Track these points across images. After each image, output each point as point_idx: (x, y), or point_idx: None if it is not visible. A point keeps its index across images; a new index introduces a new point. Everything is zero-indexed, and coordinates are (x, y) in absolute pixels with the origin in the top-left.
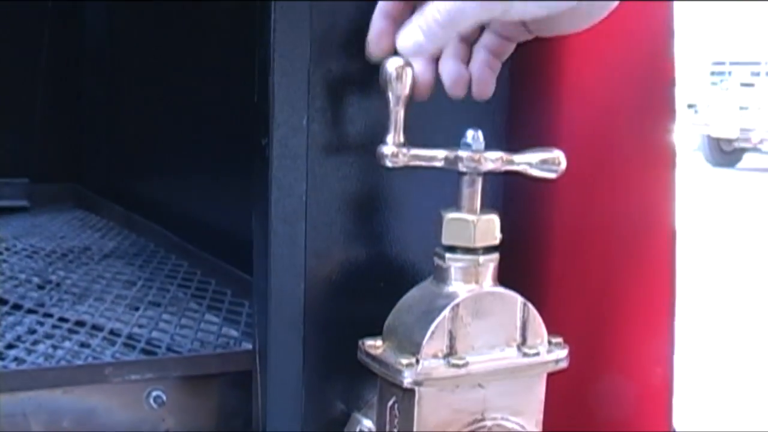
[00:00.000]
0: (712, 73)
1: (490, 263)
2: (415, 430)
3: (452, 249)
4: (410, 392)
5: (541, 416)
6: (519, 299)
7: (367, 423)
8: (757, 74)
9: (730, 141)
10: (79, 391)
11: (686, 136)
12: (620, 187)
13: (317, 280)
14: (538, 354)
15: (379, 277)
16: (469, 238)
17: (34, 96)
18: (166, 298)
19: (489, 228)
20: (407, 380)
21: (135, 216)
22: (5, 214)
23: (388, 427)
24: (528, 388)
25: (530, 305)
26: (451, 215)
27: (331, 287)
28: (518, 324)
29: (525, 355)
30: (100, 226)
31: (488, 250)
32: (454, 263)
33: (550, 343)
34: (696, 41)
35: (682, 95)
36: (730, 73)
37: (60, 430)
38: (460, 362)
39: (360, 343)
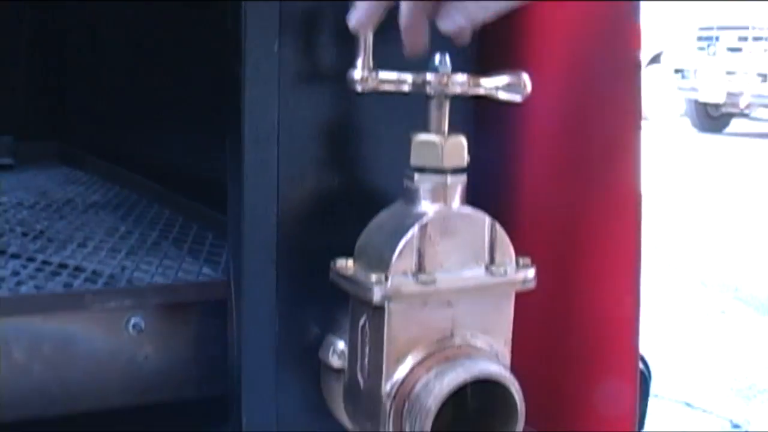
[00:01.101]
0: (699, 38)
1: (458, 184)
2: (385, 346)
3: (421, 170)
4: (380, 309)
5: (509, 336)
6: (487, 219)
7: (341, 344)
8: (745, 39)
9: (717, 106)
10: (59, 318)
11: (673, 102)
12: (591, 117)
13: (290, 205)
14: (505, 273)
15: (351, 202)
16: (437, 159)
17: (17, 56)
18: (148, 242)
19: (457, 150)
20: (376, 296)
21: (118, 169)
22: None
23: (359, 346)
24: (496, 308)
25: (498, 226)
26: (419, 137)
27: (304, 212)
28: (486, 244)
29: (493, 274)
30: (85, 180)
31: (456, 171)
32: (423, 184)
33: (518, 263)
34: (683, 6)
35: (669, 60)
36: (717, 38)
37: (41, 356)
38: (429, 279)
39: (331, 264)
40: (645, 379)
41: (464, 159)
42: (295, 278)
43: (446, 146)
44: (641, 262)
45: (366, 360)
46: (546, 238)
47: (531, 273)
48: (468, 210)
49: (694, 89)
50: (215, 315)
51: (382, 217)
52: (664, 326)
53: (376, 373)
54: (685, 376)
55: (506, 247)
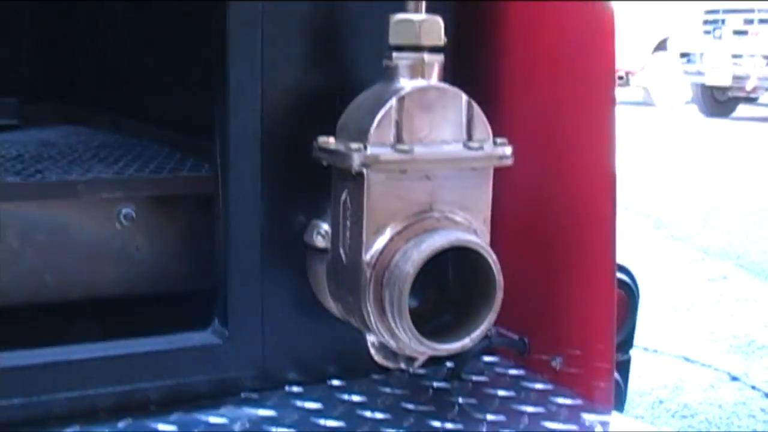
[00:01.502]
0: (705, 22)
1: (435, 62)
2: (365, 217)
3: (399, 48)
4: (360, 179)
5: (488, 214)
6: (464, 97)
7: (325, 226)
8: (751, 22)
9: (723, 90)
10: (53, 205)
11: (681, 89)
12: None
13: (274, 97)
14: (482, 149)
15: (333, 93)
16: (414, 36)
17: (21, 20)
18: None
19: (434, 28)
20: (356, 162)
21: (120, 119)
22: None
23: (341, 222)
24: (475, 185)
25: (475, 104)
26: (397, 17)
27: (289, 103)
28: (464, 121)
29: (470, 149)
30: (87, 132)
31: (434, 50)
32: (401, 61)
33: (495, 142)
34: None
35: (675, 45)
36: (723, 21)
37: (34, 243)
38: (406, 148)
39: (314, 141)
40: (632, 293)
41: (441, 38)
42: (279, 169)
43: (423, 25)
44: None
45: (348, 234)
46: (523, 119)
47: (508, 150)
48: (445, 86)
49: (700, 73)
50: (204, 210)
51: (362, 96)
52: (667, 291)
53: (356, 245)
54: (685, 334)
55: (483, 125)
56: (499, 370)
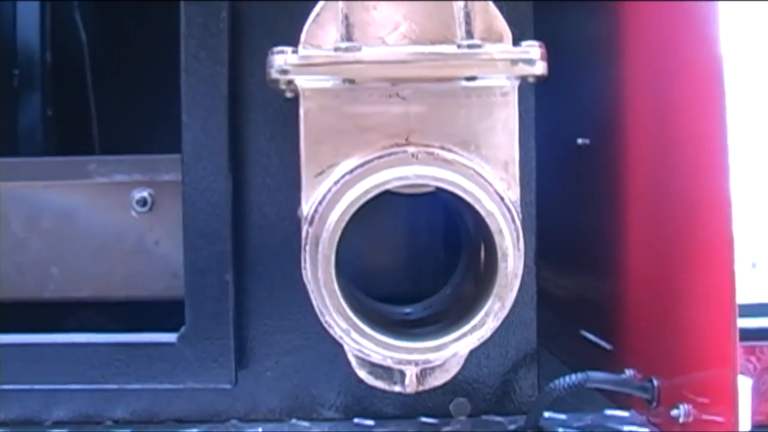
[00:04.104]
0: None
1: None
2: (302, 154)
3: None
4: (296, 99)
5: (511, 156)
6: None
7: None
8: None
9: None
10: (61, 186)
11: None
12: None
13: None
14: (479, 47)
15: None
16: None
17: None
18: None
19: None
20: (275, 70)
21: None
22: None
23: None
24: (483, 107)
25: None
26: None
27: None
28: (458, 14)
29: (467, 49)
30: None
31: None
32: None
33: (518, 44)
34: None
35: None
36: None
37: (39, 228)
38: (350, 45)
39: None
40: None
41: None
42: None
43: None
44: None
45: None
46: None
47: (533, 53)
48: None
49: None
50: None
51: None
52: None
53: (299, 195)
54: None
55: (492, 20)
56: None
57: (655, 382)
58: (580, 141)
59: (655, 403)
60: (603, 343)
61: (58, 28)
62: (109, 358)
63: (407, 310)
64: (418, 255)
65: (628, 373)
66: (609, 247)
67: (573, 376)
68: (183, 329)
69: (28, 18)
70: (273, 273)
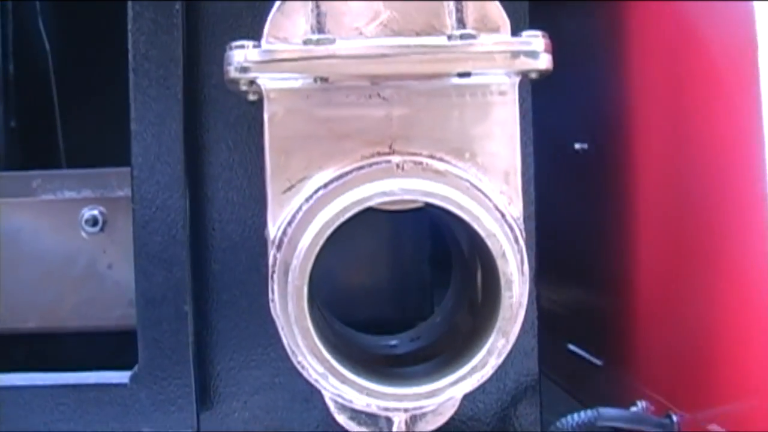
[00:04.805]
0: None
1: None
2: (268, 165)
3: None
4: (260, 102)
5: (513, 166)
6: None
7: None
8: None
9: None
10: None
11: None
12: None
13: None
14: (473, 37)
15: None
16: None
17: None
18: None
19: None
20: (233, 68)
21: None
22: None
23: None
24: (478, 108)
25: None
26: None
27: None
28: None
29: (458, 40)
30: None
31: None
32: None
33: (518, 34)
34: None
35: None
36: None
37: None
38: (322, 37)
39: None
40: None
41: None
42: None
43: None
44: None
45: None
46: None
47: (536, 44)
48: None
49: None
50: None
51: None
52: None
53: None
54: None
55: (487, 5)
56: None
57: (675, 418)
58: (577, 146)
59: None
60: (593, 359)
61: (20, 36)
62: (52, 402)
63: (392, 342)
64: (400, 276)
65: (640, 405)
66: (612, 258)
67: (583, 414)
68: (136, 368)
69: None
70: (238, 301)
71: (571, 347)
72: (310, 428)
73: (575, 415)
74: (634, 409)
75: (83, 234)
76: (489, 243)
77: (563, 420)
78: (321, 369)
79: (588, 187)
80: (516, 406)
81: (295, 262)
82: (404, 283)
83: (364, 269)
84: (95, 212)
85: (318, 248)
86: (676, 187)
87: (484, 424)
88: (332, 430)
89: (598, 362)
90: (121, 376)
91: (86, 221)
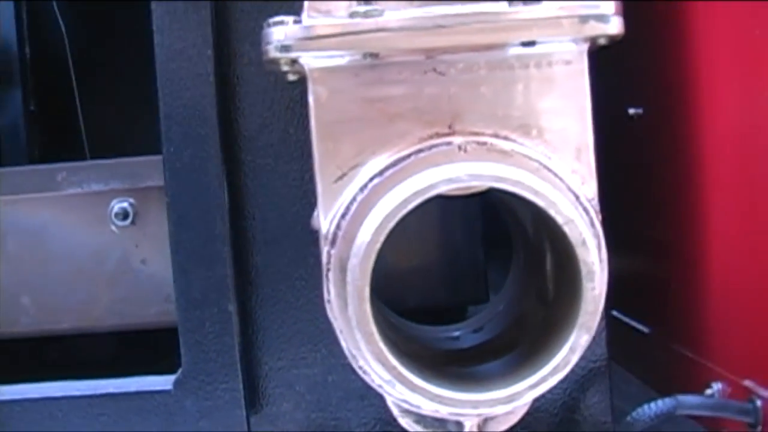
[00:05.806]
0: None
1: None
2: (315, 152)
3: None
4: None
5: (585, 142)
6: None
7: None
8: None
9: None
10: (26, 201)
11: None
12: None
13: None
14: (536, 1)
15: None
16: None
17: None
18: None
19: None
20: (273, 46)
21: None
22: None
23: None
24: (545, 81)
25: None
26: None
27: None
28: None
29: (516, 3)
30: None
31: None
32: None
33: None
34: None
35: None
36: None
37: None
38: (369, 8)
39: None
40: None
41: None
42: None
43: None
44: None
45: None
46: None
47: (607, 6)
48: None
49: None
50: None
51: None
52: None
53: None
54: None
55: None
56: None
57: (758, 402)
58: (632, 111)
59: (759, 428)
60: (640, 326)
61: (35, 21)
62: (91, 413)
63: (454, 333)
64: (450, 258)
65: (715, 387)
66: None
67: (660, 403)
68: (179, 373)
69: (3, 11)
70: (284, 296)
71: (615, 313)
72: (368, 428)
73: (652, 405)
74: (708, 391)
75: (113, 228)
76: (567, 230)
77: (639, 410)
78: (387, 376)
79: (643, 154)
80: (585, 394)
81: (354, 261)
82: (456, 266)
83: (412, 251)
84: (125, 204)
85: (379, 245)
86: (744, 150)
87: (552, 415)
88: (392, 430)
89: (644, 329)
90: (164, 382)
91: (116, 215)
